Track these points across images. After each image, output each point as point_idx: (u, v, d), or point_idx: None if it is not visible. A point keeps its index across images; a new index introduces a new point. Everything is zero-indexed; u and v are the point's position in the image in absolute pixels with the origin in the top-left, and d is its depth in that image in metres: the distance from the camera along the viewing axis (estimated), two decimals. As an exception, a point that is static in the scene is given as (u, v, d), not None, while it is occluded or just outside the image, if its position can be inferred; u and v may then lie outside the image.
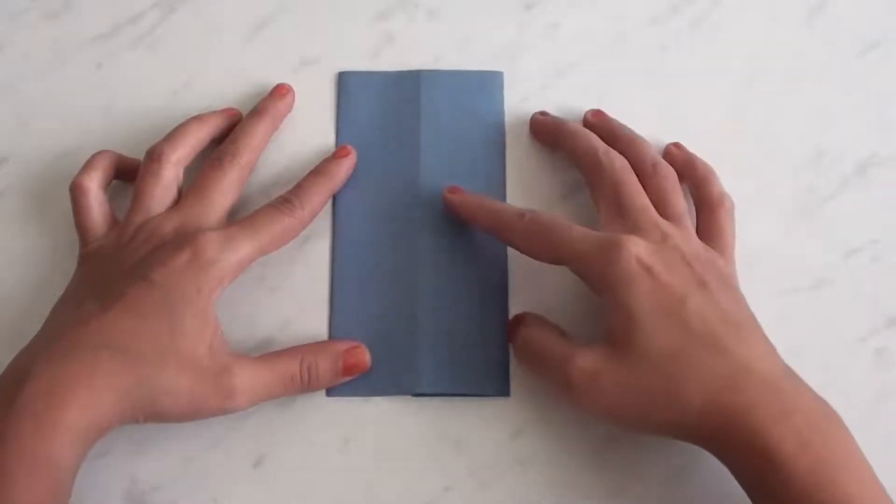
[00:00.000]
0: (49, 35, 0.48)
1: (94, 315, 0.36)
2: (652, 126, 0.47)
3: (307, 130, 0.46)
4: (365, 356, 0.41)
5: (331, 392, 0.41)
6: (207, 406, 0.37)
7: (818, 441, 0.34)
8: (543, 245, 0.39)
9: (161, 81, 0.47)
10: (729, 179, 0.46)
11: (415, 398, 0.41)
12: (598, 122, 0.45)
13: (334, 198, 0.44)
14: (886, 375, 0.42)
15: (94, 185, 0.42)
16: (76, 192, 0.42)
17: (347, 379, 0.40)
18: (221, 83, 0.47)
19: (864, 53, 0.48)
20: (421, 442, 0.41)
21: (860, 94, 0.48)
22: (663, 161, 0.43)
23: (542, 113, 0.46)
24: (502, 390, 0.41)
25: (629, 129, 0.45)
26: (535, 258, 0.40)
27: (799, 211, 0.45)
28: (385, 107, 0.46)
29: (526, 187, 0.45)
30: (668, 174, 0.42)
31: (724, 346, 0.35)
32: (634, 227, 0.39)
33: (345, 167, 0.44)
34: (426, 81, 0.47)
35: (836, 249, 0.45)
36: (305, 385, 0.39)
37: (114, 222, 0.42)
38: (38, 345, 0.37)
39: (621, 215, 0.40)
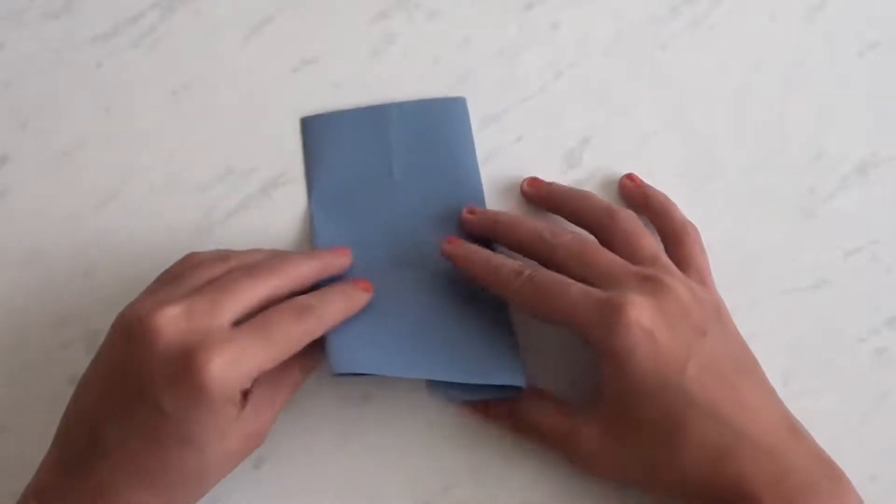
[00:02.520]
0: (49, 35, 0.48)
1: (118, 445, 0.34)
2: (652, 126, 0.47)
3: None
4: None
5: (336, 367, 0.38)
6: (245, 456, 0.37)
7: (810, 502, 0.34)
8: (540, 306, 0.38)
9: (161, 81, 0.47)
10: (729, 180, 0.46)
11: (415, 398, 0.41)
12: (533, 192, 0.44)
13: (313, 241, 0.43)
14: (886, 375, 0.42)
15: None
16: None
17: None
18: (221, 83, 0.47)
19: (864, 53, 0.48)
20: (421, 442, 0.41)
21: (860, 94, 0.48)
22: (616, 206, 0.42)
23: (470, 211, 0.43)
24: (517, 379, 0.39)
25: (567, 187, 0.44)
26: (533, 317, 0.39)
27: (799, 211, 0.45)
28: (353, 146, 0.45)
29: (509, 208, 0.45)
30: (627, 217, 0.41)
31: (721, 413, 0.35)
32: (616, 285, 0.38)
33: (364, 299, 0.40)
34: (393, 115, 0.46)
35: (836, 249, 0.45)
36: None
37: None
38: (68, 451, 0.36)
39: (597, 281, 0.38)
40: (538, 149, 0.46)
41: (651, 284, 0.37)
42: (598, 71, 0.48)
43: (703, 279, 0.40)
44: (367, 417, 0.41)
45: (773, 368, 0.39)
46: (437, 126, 0.46)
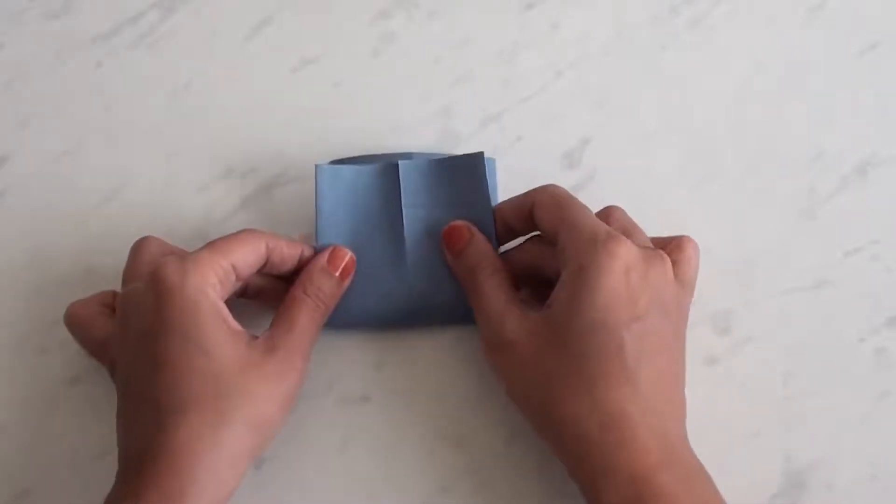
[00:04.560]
0: (49, 35, 0.48)
1: (149, 381, 0.36)
2: (652, 126, 0.47)
3: (302, 136, 0.46)
4: (345, 252, 0.41)
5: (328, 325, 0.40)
6: (292, 388, 0.38)
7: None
8: (558, 205, 0.39)
9: (161, 81, 0.47)
10: (729, 179, 0.46)
11: (415, 398, 0.41)
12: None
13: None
14: (886, 375, 0.42)
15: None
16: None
17: (349, 281, 0.41)
18: (221, 83, 0.47)
19: (864, 53, 0.48)
20: (420, 442, 0.41)
21: (860, 94, 0.48)
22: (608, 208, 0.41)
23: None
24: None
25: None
26: (538, 227, 0.39)
27: (799, 211, 0.45)
28: (364, 202, 0.42)
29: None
30: (620, 213, 0.40)
31: (639, 382, 0.35)
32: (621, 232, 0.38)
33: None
34: (405, 173, 0.42)
35: (836, 249, 0.45)
36: (325, 311, 0.40)
37: None
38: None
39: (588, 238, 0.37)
40: (538, 149, 0.46)
41: (650, 252, 0.38)
42: (598, 71, 0.48)
43: (685, 288, 0.39)
44: (367, 417, 0.41)
45: (773, 368, 0.40)
46: (452, 187, 0.43)
